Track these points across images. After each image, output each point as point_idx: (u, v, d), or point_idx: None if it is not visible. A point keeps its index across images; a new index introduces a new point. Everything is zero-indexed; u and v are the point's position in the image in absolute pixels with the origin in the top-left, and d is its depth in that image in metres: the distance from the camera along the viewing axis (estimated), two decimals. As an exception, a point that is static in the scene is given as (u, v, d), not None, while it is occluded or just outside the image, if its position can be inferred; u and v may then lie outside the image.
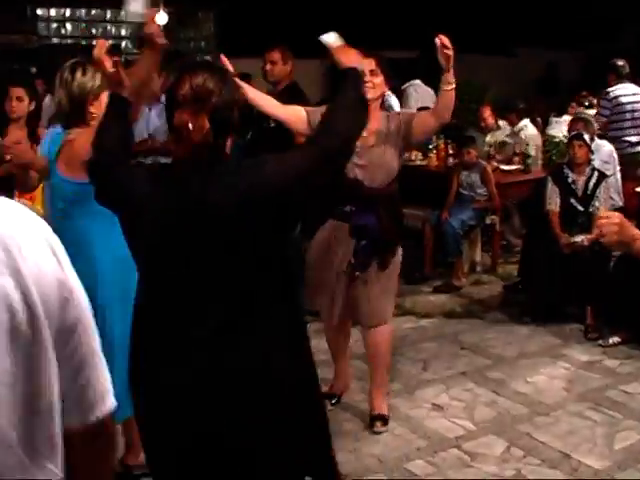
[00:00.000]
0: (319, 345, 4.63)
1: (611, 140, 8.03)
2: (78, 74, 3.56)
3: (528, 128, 8.92)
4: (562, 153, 7.87)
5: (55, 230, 3.62)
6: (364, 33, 11.36)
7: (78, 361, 1.53)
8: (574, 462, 4.39)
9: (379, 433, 4.72)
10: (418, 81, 9.66)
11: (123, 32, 13.87)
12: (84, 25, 13.60)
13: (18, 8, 12.57)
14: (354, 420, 4.83)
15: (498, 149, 8.76)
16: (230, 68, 3.39)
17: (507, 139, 8.87)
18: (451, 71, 4.19)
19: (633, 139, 8.30)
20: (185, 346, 2.49)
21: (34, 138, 5.21)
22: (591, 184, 6.58)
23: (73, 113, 3.58)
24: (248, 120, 3.88)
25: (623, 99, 8.40)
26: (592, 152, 6.81)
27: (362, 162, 4.38)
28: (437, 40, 4.07)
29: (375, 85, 4.41)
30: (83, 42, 13.27)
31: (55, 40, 13.30)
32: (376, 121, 4.36)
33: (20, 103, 5.55)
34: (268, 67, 6.46)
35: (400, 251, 4.70)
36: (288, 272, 2.62)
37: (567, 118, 8.93)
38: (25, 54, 11.52)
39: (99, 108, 3.51)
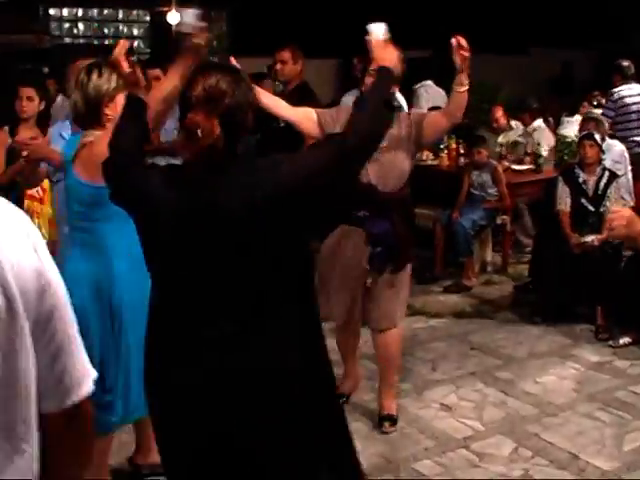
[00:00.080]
0: (329, 344, 4.62)
1: (618, 140, 8.00)
2: (94, 76, 3.57)
3: (541, 128, 8.90)
4: (574, 153, 7.84)
5: (71, 232, 3.64)
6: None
7: (55, 348, 1.62)
8: (582, 463, 4.39)
9: (387, 433, 4.73)
10: (429, 82, 9.63)
11: (135, 32, 13.91)
12: (96, 25, 13.64)
13: (31, 8, 12.61)
14: (362, 420, 4.83)
15: (510, 149, 8.74)
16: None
17: (520, 139, 8.85)
18: (465, 72, 4.17)
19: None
20: (197, 346, 2.50)
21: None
22: (602, 184, 6.57)
23: (89, 115, 3.59)
24: (257, 120, 3.89)
25: (628, 100, 8.40)
26: (603, 152, 6.78)
27: (374, 166, 4.31)
28: (453, 40, 4.04)
29: None
30: (95, 42, 13.33)
31: (67, 40, 13.34)
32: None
33: (30, 103, 5.56)
34: (278, 66, 6.48)
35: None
36: (304, 273, 2.60)
37: (579, 118, 8.88)
38: (37, 54, 11.54)
39: (114, 110, 3.52)
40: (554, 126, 9.64)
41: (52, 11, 13.20)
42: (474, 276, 7.66)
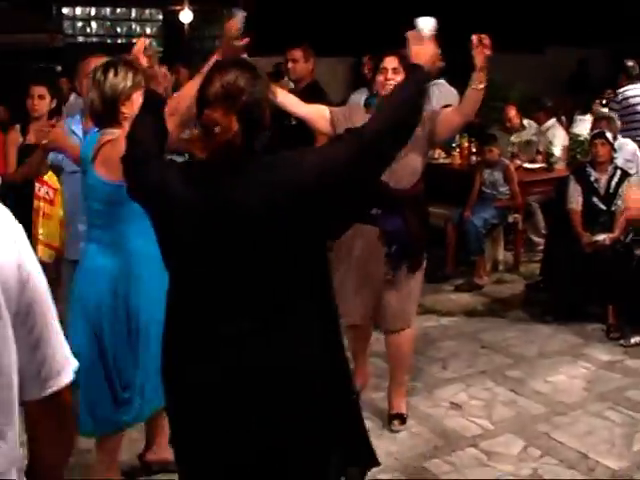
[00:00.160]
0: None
1: (624, 139, 7.99)
2: (110, 74, 3.58)
3: (555, 127, 8.88)
4: (586, 151, 7.83)
5: (90, 230, 3.67)
6: (388, 31, 11.36)
7: (34, 339, 1.69)
8: (592, 462, 4.38)
9: (397, 432, 4.73)
10: (442, 80, 9.58)
11: (148, 30, 13.96)
12: (109, 24, 13.71)
13: (44, 7, 12.67)
14: (372, 418, 4.83)
15: (522, 148, 8.71)
16: None
17: (533, 138, 8.83)
18: (485, 70, 4.15)
19: (646, 138, 8.26)
20: (214, 344, 2.49)
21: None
22: (613, 183, 6.55)
23: (105, 113, 3.61)
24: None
25: (633, 100, 8.38)
26: (615, 150, 6.76)
27: None
28: (474, 37, 4.01)
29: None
30: (108, 41, 13.39)
31: (80, 39, 13.43)
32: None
33: (42, 101, 5.59)
34: (290, 65, 6.49)
35: (424, 256, 4.70)
36: (322, 269, 2.59)
37: (591, 116, 8.90)
38: (51, 53, 11.60)
39: (131, 108, 3.54)
40: (567, 124, 9.62)
41: (65, 10, 13.27)
42: (485, 275, 7.66)
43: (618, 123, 7.73)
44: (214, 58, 3.34)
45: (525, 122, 8.99)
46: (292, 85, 6.69)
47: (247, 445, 2.51)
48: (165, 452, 4.23)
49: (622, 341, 6.07)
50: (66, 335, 3.65)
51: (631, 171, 6.98)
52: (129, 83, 3.58)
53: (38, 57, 11.30)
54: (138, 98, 3.58)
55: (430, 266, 4.79)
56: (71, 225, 4.58)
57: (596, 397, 5.20)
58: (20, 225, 1.72)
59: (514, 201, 7.75)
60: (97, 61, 4.36)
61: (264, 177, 2.41)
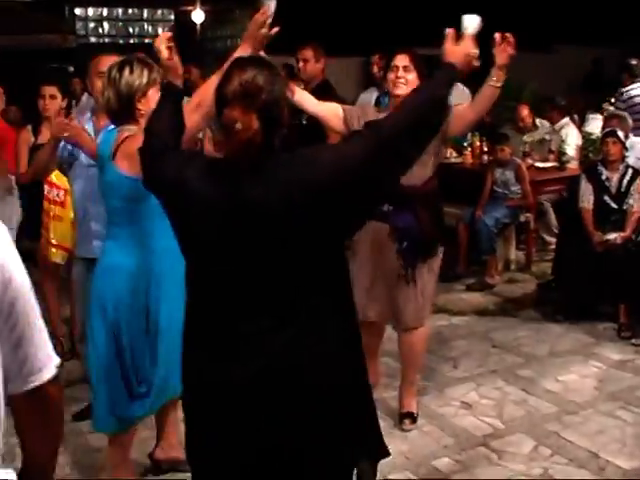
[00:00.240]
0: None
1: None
2: (126, 72, 3.60)
3: (569, 126, 8.86)
4: (598, 150, 7.80)
5: (110, 227, 3.70)
6: (402, 30, 11.35)
7: (16, 337, 1.77)
8: (602, 462, 4.37)
9: (408, 431, 4.73)
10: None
11: (160, 31, 13.98)
12: (121, 24, 13.75)
13: (57, 8, 12.72)
14: (383, 417, 4.78)
15: (535, 147, 8.69)
16: None
17: (546, 137, 8.81)
18: (504, 69, 4.10)
19: (650, 137, 8.24)
20: (234, 342, 2.48)
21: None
22: (625, 181, 6.53)
23: (122, 110, 3.63)
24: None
25: (637, 99, 8.36)
26: (626, 149, 6.75)
27: None
28: (497, 35, 3.93)
29: (408, 81, 4.37)
30: (120, 41, 13.43)
31: (93, 39, 13.47)
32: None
33: (53, 101, 5.62)
34: (300, 65, 6.50)
35: (440, 253, 4.69)
36: (339, 266, 2.58)
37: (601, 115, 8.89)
38: (63, 53, 11.65)
39: (147, 105, 3.57)
40: (579, 123, 9.60)
41: (78, 11, 13.32)
42: (497, 274, 7.66)
43: (630, 122, 7.70)
44: (238, 52, 3.32)
45: (537, 121, 8.98)
46: (301, 85, 6.70)
47: (264, 443, 2.50)
48: (175, 451, 4.25)
49: (633, 340, 6.05)
50: (86, 333, 3.69)
51: (643, 169, 6.96)
52: (145, 80, 3.61)
53: (50, 58, 11.35)
54: (154, 95, 3.60)
55: (442, 265, 4.77)
56: (82, 223, 4.58)
57: (607, 396, 5.19)
58: (3, 226, 1.76)
59: (526, 200, 7.75)
60: (108, 60, 4.38)
61: (282, 175, 2.41)
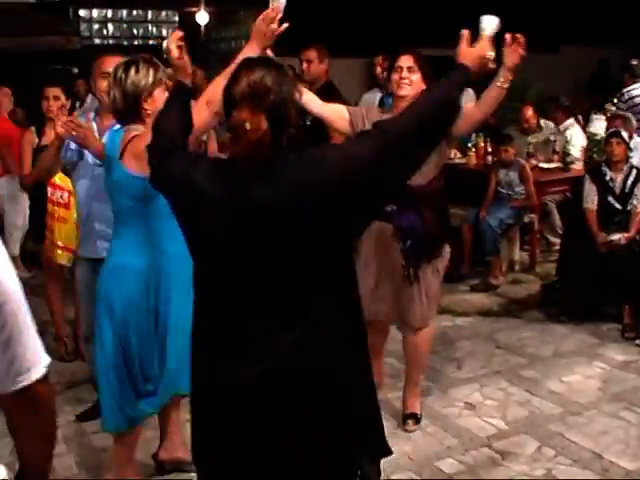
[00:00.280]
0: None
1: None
2: (131, 72, 3.62)
3: (574, 127, 8.85)
4: (602, 150, 7.80)
5: (118, 227, 3.71)
6: (406, 31, 11.34)
7: (5, 338, 1.80)
8: (606, 462, 4.36)
9: (411, 431, 4.73)
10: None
11: (164, 32, 14.01)
12: (125, 26, 13.76)
13: (61, 9, 12.73)
14: (386, 417, 4.76)
15: (540, 148, 8.69)
16: None
17: (551, 137, 8.81)
18: (512, 71, 4.03)
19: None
20: (242, 342, 2.48)
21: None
22: (629, 182, 6.53)
23: (128, 110, 3.64)
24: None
25: (638, 99, 8.36)
26: (630, 149, 6.75)
27: None
28: (508, 36, 3.80)
29: (412, 82, 4.37)
30: (125, 42, 13.44)
31: (97, 41, 13.48)
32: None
33: (57, 102, 5.63)
34: (304, 66, 6.50)
35: (447, 253, 4.68)
36: (346, 266, 2.57)
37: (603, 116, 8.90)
38: (67, 55, 11.66)
39: (153, 105, 3.60)
40: (583, 124, 9.60)
41: (82, 12, 13.34)
42: (501, 275, 7.66)
43: (634, 122, 7.70)
44: (246, 49, 3.31)
45: (542, 122, 8.97)
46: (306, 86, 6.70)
47: (271, 443, 2.50)
48: (178, 451, 4.26)
49: (637, 341, 6.06)
50: (93, 333, 3.70)
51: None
52: (150, 80, 3.63)
53: (55, 59, 11.37)
54: (160, 94, 3.63)
55: (448, 266, 4.77)
56: (86, 223, 4.58)
57: (611, 397, 5.18)
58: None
59: (530, 201, 7.75)
60: (111, 60, 4.40)
61: (290, 174, 2.40)
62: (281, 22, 3.39)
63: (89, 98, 6.58)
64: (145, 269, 3.67)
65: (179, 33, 3.30)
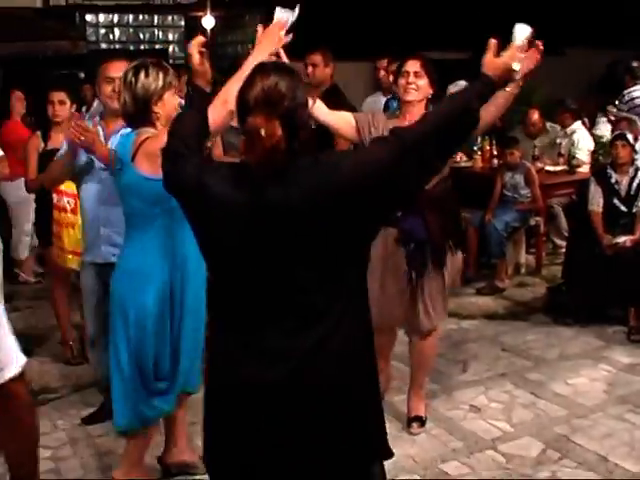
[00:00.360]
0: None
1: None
2: (141, 76, 3.65)
3: (581, 130, 8.84)
4: (609, 153, 7.79)
5: (131, 231, 3.73)
6: (414, 34, 11.35)
7: None
8: (610, 465, 4.36)
9: (416, 434, 4.74)
10: (463, 82, 9.61)
11: (170, 37, 14.04)
12: (132, 30, 13.79)
13: (67, 14, 12.77)
14: (391, 420, 4.81)
15: (547, 151, 8.68)
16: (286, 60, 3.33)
17: (558, 140, 8.80)
18: (523, 77, 4.02)
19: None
20: (257, 345, 2.49)
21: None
22: (634, 184, 6.52)
23: (138, 114, 3.67)
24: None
25: (638, 101, 8.36)
26: (636, 152, 6.75)
27: None
28: (525, 41, 3.85)
29: (419, 87, 4.38)
30: (131, 47, 13.47)
31: (103, 45, 13.52)
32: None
33: (62, 106, 5.66)
34: (309, 69, 6.50)
35: (460, 258, 4.70)
36: (362, 270, 2.57)
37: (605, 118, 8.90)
38: (74, 59, 11.69)
39: (163, 108, 3.65)
40: (589, 126, 9.59)
41: (88, 17, 13.37)
42: (507, 278, 7.66)
43: (639, 124, 7.70)
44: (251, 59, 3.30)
45: (548, 125, 8.97)
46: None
47: (287, 445, 2.50)
48: (184, 454, 4.27)
49: (643, 343, 6.05)
50: (109, 334, 3.73)
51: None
52: (160, 83, 3.66)
53: (61, 64, 11.39)
54: (170, 98, 3.66)
55: (463, 269, 4.78)
56: (91, 227, 4.57)
57: (616, 400, 5.18)
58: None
59: (535, 204, 7.74)
60: (116, 65, 4.42)
61: (305, 178, 2.41)
62: (289, 31, 3.36)
63: (96, 103, 6.60)
64: (158, 273, 3.69)
65: (201, 39, 3.29)
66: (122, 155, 3.74)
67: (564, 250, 7.79)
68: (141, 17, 13.83)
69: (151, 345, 3.71)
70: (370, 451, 2.67)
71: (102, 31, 13.57)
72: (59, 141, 5.23)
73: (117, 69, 4.38)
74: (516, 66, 2.74)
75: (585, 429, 4.77)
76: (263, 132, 2.37)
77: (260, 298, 2.48)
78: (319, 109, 4.39)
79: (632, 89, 8.51)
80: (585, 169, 8.36)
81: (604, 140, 8.59)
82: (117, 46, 13.52)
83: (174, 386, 3.86)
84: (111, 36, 13.63)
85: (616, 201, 6.52)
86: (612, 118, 9.02)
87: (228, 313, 2.58)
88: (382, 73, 7.88)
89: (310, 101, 2.58)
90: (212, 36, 12.75)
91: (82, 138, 4.15)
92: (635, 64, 8.64)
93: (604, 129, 8.95)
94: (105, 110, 4.59)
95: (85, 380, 5.35)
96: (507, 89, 4.07)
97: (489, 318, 6.82)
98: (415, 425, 4.79)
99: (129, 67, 3.73)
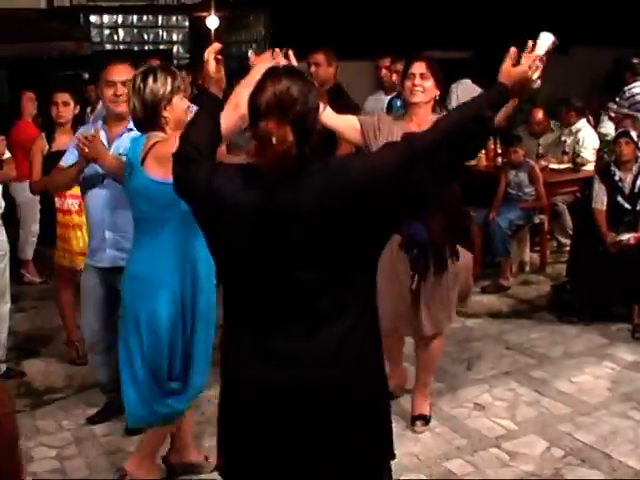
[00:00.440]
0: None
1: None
2: (150, 81, 3.65)
3: (587, 128, 8.83)
4: (613, 151, 7.79)
5: (139, 236, 3.74)
6: (416, 33, 11.35)
7: None
8: (615, 462, 4.37)
9: (420, 433, 4.75)
10: (467, 80, 9.59)
11: (175, 37, 14.07)
12: (136, 31, 13.81)
13: (72, 15, 12.79)
14: (395, 418, 4.74)
15: (551, 149, 8.68)
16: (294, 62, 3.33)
17: (562, 137, 8.80)
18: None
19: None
20: (268, 347, 2.50)
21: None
22: (638, 182, 6.52)
23: (147, 119, 3.69)
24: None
25: (638, 97, 8.36)
26: (639, 149, 6.73)
27: None
28: (531, 43, 3.81)
29: (425, 89, 4.39)
30: (135, 48, 13.48)
31: (108, 46, 13.54)
32: (426, 125, 4.32)
33: (66, 107, 5.67)
34: (312, 69, 6.50)
35: (469, 257, 4.70)
36: (372, 275, 2.58)
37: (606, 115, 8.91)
38: (78, 60, 11.70)
39: (172, 112, 3.67)
40: (594, 124, 9.58)
41: (93, 18, 13.39)
42: (512, 276, 7.66)
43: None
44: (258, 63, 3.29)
45: (552, 124, 8.96)
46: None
47: (300, 446, 2.51)
48: (189, 454, 4.28)
49: (648, 341, 6.05)
50: (120, 335, 3.74)
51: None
52: (169, 88, 3.67)
53: (66, 65, 11.42)
54: (179, 102, 3.67)
55: (475, 270, 4.77)
56: (96, 231, 4.56)
57: (621, 397, 5.18)
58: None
59: (539, 202, 7.74)
60: (117, 69, 4.43)
61: (315, 182, 2.41)
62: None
63: (100, 104, 6.62)
64: (169, 278, 3.71)
65: (218, 46, 3.29)
66: (132, 159, 3.75)
67: (568, 248, 7.77)
68: (145, 18, 13.85)
69: (164, 349, 3.74)
70: (377, 452, 2.68)
71: (106, 32, 13.59)
72: (63, 143, 5.23)
73: (118, 72, 4.39)
74: (535, 75, 2.73)
75: (589, 427, 4.78)
76: (274, 139, 2.37)
77: (268, 301, 2.49)
78: (327, 113, 4.39)
79: (632, 85, 8.52)
80: (590, 167, 8.36)
81: (609, 138, 8.58)
82: (121, 47, 13.54)
83: (187, 387, 3.88)
84: (115, 37, 13.64)
85: (620, 199, 6.52)
86: (612, 115, 9.02)
87: (238, 315, 2.59)
88: (384, 72, 7.89)
89: (321, 105, 2.58)
90: (216, 36, 12.74)
91: (86, 150, 4.16)
92: (636, 60, 8.64)
93: (609, 127, 8.95)
94: (107, 114, 4.58)
95: (90, 380, 5.37)
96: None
97: (493, 316, 6.82)
98: (419, 423, 4.79)
99: (137, 72, 3.74)
